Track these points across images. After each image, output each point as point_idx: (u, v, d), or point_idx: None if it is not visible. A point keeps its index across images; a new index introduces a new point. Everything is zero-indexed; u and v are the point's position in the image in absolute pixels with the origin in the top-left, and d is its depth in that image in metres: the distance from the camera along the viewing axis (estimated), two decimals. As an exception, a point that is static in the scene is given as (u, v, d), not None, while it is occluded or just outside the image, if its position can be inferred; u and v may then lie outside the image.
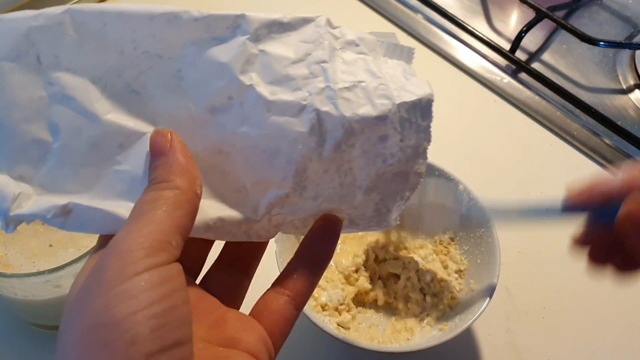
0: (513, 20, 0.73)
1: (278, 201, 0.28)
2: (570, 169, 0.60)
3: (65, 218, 0.25)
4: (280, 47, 0.27)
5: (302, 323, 0.41)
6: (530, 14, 0.69)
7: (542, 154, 0.61)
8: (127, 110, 0.26)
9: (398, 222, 0.31)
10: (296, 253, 0.29)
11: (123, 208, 0.25)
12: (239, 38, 0.27)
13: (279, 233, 0.30)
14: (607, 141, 0.61)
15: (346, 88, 0.27)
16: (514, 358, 0.48)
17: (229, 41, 0.27)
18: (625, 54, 0.69)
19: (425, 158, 0.29)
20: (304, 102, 0.27)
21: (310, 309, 0.44)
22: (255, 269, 0.31)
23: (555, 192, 0.58)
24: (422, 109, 0.29)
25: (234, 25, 0.27)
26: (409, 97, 0.28)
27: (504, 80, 0.66)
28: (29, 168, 0.26)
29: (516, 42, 0.67)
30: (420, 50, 0.69)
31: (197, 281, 0.30)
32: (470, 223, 0.48)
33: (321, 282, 0.46)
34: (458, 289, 0.47)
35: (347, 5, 0.73)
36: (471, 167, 0.59)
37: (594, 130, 0.62)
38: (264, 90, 0.27)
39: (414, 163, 0.29)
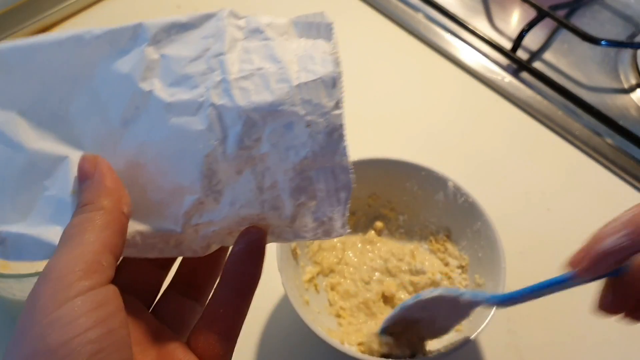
0: (514, 19, 0.73)
1: (193, 208, 0.27)
2: (571, 169, 0.60)
3: (4, 247, 0.26)
4: (180, 48, 0.27)
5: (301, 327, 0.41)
6: (532, 13, 0.69)
7: (543, 153, 0.61)
8: (52, 137, 0.27)
9: (349, 231, 0.28)
10: (220, 278, 0.28)
11: (52, 232, 0.26)
12: (138, 47, 0.27)
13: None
14: (609, 141, 0.61)
15: (243, 77, 0.26)
16: (515, 359, 0.48)
17: (130, 52, 0.27)
18: (627, 53, 0.69)
19: (344, 146, 0.27)
20: (201, 99, 0.26)
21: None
22: (208, 295, 0.30)
23: (556, 192, 0.58)
24: (325, 89, 0.26)
25: (134, 35, 0.27)
26: (309, 77, 0.26)
27: (505, 79, 0.66)
28: None
29: (517, 41, 0.67)
30: (421, 49, 0.69)
31: (151, 308, 0.30)
32: (464, 218, 0.48)
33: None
34: (464, 285, 0.47)
35: (348, 5, 0.72)
36: (472, 166, 0.59)
37: (596, 129, 0.62)
38: (164, 93, 0.26)
39: (334, 154, 0.27)
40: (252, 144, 0.26)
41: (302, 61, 0.27)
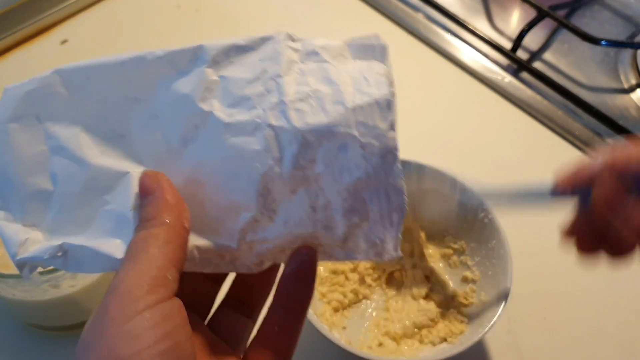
0: (514, 19, 0.73)
1: (248, 225, 0.27)
2: (571, 169, 0.60)
3: (64, 259, 0.27)
4: (238, 70, 0.28)
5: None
6: (532, 13, 0.69)
7: (544, 153, 0.61)
8: (113, 153, 0.28)
9: (401, 255, 0.29)
10: (273, 298, 0.28)
11: (112, 245, 0.27)
12: (198, 68, 0.28)
13: None
14: (609, 141, 0.61)
15: (299, 99, 0.27)
16: (515, 359, 0.48)
17: (190, 73, 0.28)
18: (627, 53, 0.69)
19: (398, 168, 0.27)
20: (259, 120, 0.27)
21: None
22: (259, 312, 0.31)
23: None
24: (380, 111, 0.27)
25: (194, 57, 0.28)
26: (364, 99, 0.27)
27: (505, 79, 0.66)
28: (37, 215, 0.28)
29: (517, 41, 0.67)
30: (421, 49, 0.69)
31: (206, 321, 0.30)
32: (481, 234, 0.47)
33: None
34: (469, 300, 0.47)
35: (348, 5, 0.72)
36: (472, 166, 0.59)
37: (596, 129, 0.62)
38: (222, 114, 0.27)
39: (387, 175, 0.27)
40: (307, 164, 0.27)
41: (356, 83, 0.27)
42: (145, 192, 0.26)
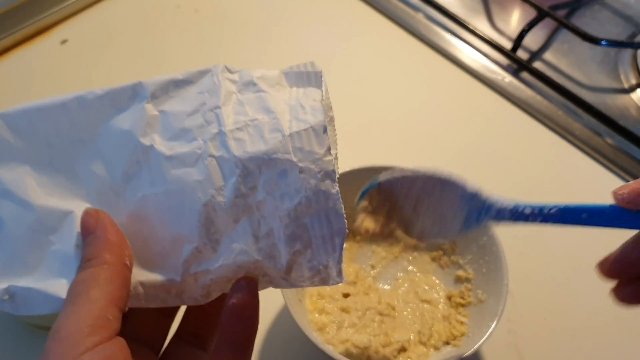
0: (514, 19, 0.73)
1: (192, 257, 0.28)
2: (571, 169, 0.60)
3: (12, 302, 0.27)
4: (178, 104, 0.28)
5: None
6: (532, 13, 0.69)
7: (544, 153, 0.61)
8: (58, 194, 0.29)
9: (345, 280, 0.29)
10: (218, 333, 0.28)
11: (58, 286, 0.27)
12: (138, 104, 0.28)
13: None
14: (609, 141, 0.61)
15: (238, 129, 0.27)
16: (515, 359, 0.48)
17: (130, 109, 0.28)
18: (627, 53, 0.69)
19: (336, 191, 0.28)
20: (199, 151, 0.27)
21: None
22: (212, 343, 0.30)
23: (556, 192, 0.58)
24: (316, 137, 0.28)
25: (133, 94, 0.29)
26: (301, 126, 0.28)
27: (506, 79, 0.66)
28: None
29: (518, 41, 0.67)
30: (421, 49, 0.69)
31: (159, 355, 0.30)
32: (471, 232, 0.47)
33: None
34: (467, 300, 0.47)
35: (348, 5, 0.72)
36: (472, 166, 0.59)
37: (596, 129, 0.62)
38: (163, 147, 0.28)
39: (327, 199, 0.27)
40: (248, 192, 0.27)
41: (293, 111, 0.28)
42: (87, 231, 0.26)
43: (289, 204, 0.27)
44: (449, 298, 0.47)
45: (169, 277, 0.28)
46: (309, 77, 0.30)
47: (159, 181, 0.28)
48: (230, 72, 0.29)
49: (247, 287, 0.28)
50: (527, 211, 0.35)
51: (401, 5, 0.72)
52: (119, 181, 0.28)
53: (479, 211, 0.36)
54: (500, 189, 0.57)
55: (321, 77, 0.30)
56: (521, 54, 0.68)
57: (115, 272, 0.25)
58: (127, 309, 0.26)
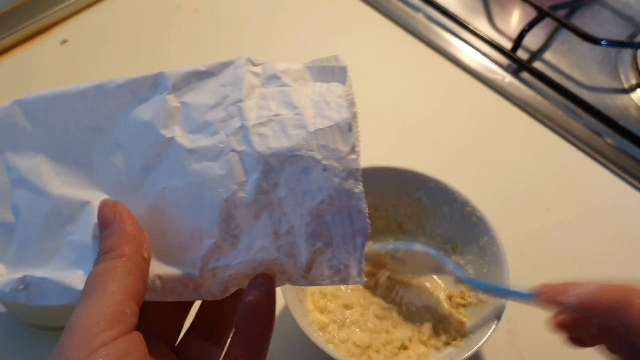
0: (514, 19, 0.73)
1: (211, 252, 0.27)
2: (571, 169, 0.60)
3: (27, 291, 0.27)
4: (200, 96, 0.28)
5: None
6: (532, 13, 0.69)
7: (544, 153, 0.61)
8: (75, 183, 0.28)
9: (366, 280, 0.28)
10: (234, 328, 0.28)
11: (75, 277, 0.27)
12: (159, 95, 0.28)
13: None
14: (609, 141, 0.61)
15: (261, 124, 0.27)
16: (515, 359, 0.48)
17: (151, 100, 0.28)
18: (627, 53, 0.69)
19: (360, 190, 0.27)
20: (221, 145, 0.27)
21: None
22: (228, 338, 0.30)
23: (556, 192, 0.58)
24: (341, 134, 0.27)
25: (154, 84, 0.28)
26: (325, 123, 0.27)
27: (506, 79, 0.66)
28: (1, 249, 0.28)
29: (518, 41, 0.67)
30: (421, 49, 0.69)
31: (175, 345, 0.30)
32: (471, 232, 0.47)
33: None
34: (467, 300, 0.47)
35: (348, 5, 0.72)
36: (472, 166, 0.59)
37: (596, 129, 0.62)
38: (184, 140, 0.27)
39: (350, 198, 0.27)
40: (270, 188, 0.27)
41: (317, 106, 0.28)
42: (104, 223, 0.26)
43: (311, 202, 0.27)
44: (450, 298, 0.47)
45: (187, 272, 0.27)
46: (333, 72, 0.29)
47: (179, 174, 0.27)
48: (254, 64, 0.29)
49: (265, 285, 0.27)
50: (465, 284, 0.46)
51: (401, 5, 0.72)
52: (137, 172, 0.28)
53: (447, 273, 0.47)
54: (500, 189, 0.58)
55: (346, 71, 0.29)
56: (521, 54, 0.68)
57: (133, 265, 0.25)
58: (143, 303, 0.26)
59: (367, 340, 0.44)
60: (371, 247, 0.49)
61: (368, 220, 0.27)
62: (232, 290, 0.29)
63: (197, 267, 0.27)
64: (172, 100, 0.28)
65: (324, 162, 0.27)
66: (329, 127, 0.27)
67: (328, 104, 0.28)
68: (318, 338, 0.41)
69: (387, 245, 0.48)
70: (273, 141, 0.27)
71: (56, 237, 0.28)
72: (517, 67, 0.66)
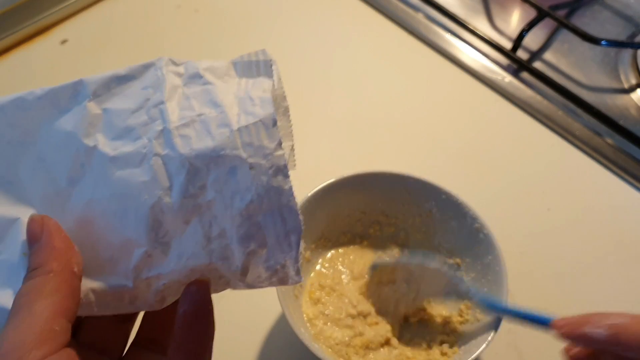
0: (514, 19, 0.73)
1: (142, 262, 0.26)
2: (571, 169, 0.60)
3: None
4: (121, 101, 0.27)
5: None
6: (532, 13, 0.69)
7: (544, 153, 0.61)
8: (3, 201, 0.27)
9: (302, 280, 0.28)
10: (172, 340, 0.27)
11: (5, 297, 0.25)
12: (80, 104, 0.27)
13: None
14: (609, 141, 0.61)
15: (184, 125, 0.26)
16: (515, 359, 0.48)
17: (72, 109, 0.27)
18: (627, 53, 0.69)
19: (289, 187, 0.26)
20: (144, 150, 0.26)
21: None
22: None
23: (556, 192, 0.58)
24: (266, 130, 0.26)
25: (74, 92, 0.27)
26: (249, 120, 0.26)
27: (506, 79, 0.66)
28: None
29: (518, 41, 0.67)
30: (421, 49, 0.69)
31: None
32: (476, 249, 0.47)
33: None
34: (464, 317, 0.46)
35: (348, 5, 0.72)
36: (472, 166, 0.59)
37: (596, 129, 0.62)
38: (107, 148, 0.26)
39: (279, 195, 0.26)
40: (197, 191, 0.26)
41: (241, 103, 0.27)
42: (32, 239, 0.25)
43: (240, 203, 0.26)
44: (447, 323, 0.47)
45: (121, 284, 0.26)
46: (258, 67, 0.29)
47: (103, 184, 0.26)
48: (176, 64, 0.28)
49: (199, 293, 0.26)
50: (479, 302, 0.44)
51: (401, 5, 0.72)
52: (64, 185, 0.27)
53: (459, 290, 0.45)
54: (499, 188, 0.58)
55: (271, 65, 0.28)
56: (521, 54, 0.68)
57: (62, 281, 0.24)
58: (75, 319, 0.25)
59: (347, 340, 0.44)
60: (381, 257, 0.49)
61: (301, 217, 0.27)
62: (170, 299, 0.28)
63: (129, 278, 0.26)
64: (93, 108, 0.27)
65: (250, 160, 0.26)
66: (253, 123, 0.26)
67: (252, 100, 0.27)
68: (304, 334, 0.41)
69: (401, 259, 0.47)
70: (196, 142, 0.26)
71: None
72: (517, 67, 0.66)
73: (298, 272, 0.28)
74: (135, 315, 0.31)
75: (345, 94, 0.65)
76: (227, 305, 0.48)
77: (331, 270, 0.49)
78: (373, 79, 0.66)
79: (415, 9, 0.71)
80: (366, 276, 0.48)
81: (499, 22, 0.72)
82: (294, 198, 0.26)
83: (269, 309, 0.48)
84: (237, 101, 0.27)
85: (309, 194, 0.46)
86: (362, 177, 0.48)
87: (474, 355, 0.40)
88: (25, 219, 0.26)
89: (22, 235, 0.26)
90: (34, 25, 0.67)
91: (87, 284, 0.26)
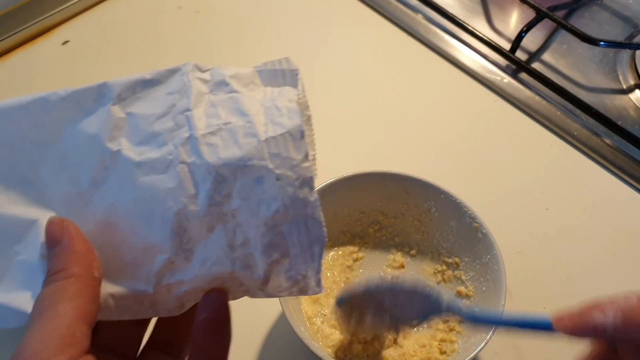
0: (513, 20, 0.73)
1: (165, 268, 0.26)
2: (570, 169, 0.60)
3: None
4: (146, 105, 0.27)
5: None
6: (531, 14, 0.69)
7: (543, 154, 0.61)
8: (23, 201, 0.27)
9: (322, 291, 0.28)
10: (191, 344, 0.27)
11: (23, 299, 0.25)
12: (104, 107, 0.27)
13: None
14: (608, 141, 0.61)
15: (210, 133, 0.26)
16: (514, 358, 0.48)
17: (96, 112, 0.27)
18: (626, 53, 0.69)
19: (315, 198, 0.26)
20: (170, 157, 0.26)
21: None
22: (186, 352, 0.30)
23: (555, 192, 0.58)
24: (293, 141, 0.26)
25: (99, 95, 0.27)
26: (277, 131, 0.26)
27: (504, 80, 0.66)
28: None
29: (516, 42, 0.67)
30: (420, 50, 0.69)
31: None
32: (476, 248, 0.47)
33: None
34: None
35: (348, 6, 0.73)
36: (471, 167, 0.59)
37: (594, 130, 0.62)
38: (132, 152, 0.26)
39: (305, 206, 0.26)
40: (223, 199, 0.26)
41: (268, 113, 0.27)
42: (52, 242, 0.25)
43: (265, 212, 0.26)
44: (446, 321, 0.47)
45: (141, 289, 0.26)
46: (284, 76, 0.29)
47: (128, 188, 0.26)
48: (201, 70, 0.28)
49: (218, 300, 0.27)
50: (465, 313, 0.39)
51: (400, 7, 0.72)
52: (86, 187, 0.27)
53: (438, 309, 0.40)
54: (498, 189, 0.58)
55: (297, 74, 0.28)
56: (520, 55, 0.68)
57: (83, 286, 0.24)
58: (95, 323, 0.25)
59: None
60: (346, 288, 0.44)
61: (325, 229, 0.27)
62: (189, 305, 0.28)
63: (151, 284, 0.26)
64: (118, 112, 0.27)
65: (277, 171, 0.26)
66: (281, 134, 0.26)
67: (279, 110, 0.27)
68: (304, 333, 0.41)
69: (368, 286, 0.41)
70: (223, 151, 0.26)
71: (6, 258, 0.26)
72: (516, 67, 0.67)
73: (319, 283, 0.28)
74: (149, 319, 0.31)
75: (345, 95, 0.65)
76: (227, 304, 0.48)
77: (329, 273, 0.49)
78: (372, 80, 0.66)
79: (415, 10, 0.72)
80: (333, 315, 0.45)
81: (497, 23, 0.72)
82: (320, 209, 0.26)
83: (269, 309, 0.48)
84: (264, 110, 0.27)
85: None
86: (362, 177, 0.48)
87: (473, 354, 0.40)
88: (44, 221, 0.26)
89: (41, 238, 0.26)
90: (36, 26, 0.67)
91: (107, 289, 0.26)
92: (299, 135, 0.26)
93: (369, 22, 0.71)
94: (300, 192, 0.26)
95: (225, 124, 0.26)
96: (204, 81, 0.28)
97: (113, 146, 0.26)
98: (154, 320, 0.31)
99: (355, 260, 0.50)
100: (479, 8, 0.74)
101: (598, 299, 0.31)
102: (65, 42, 0.67)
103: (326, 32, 0.71)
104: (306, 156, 0.26)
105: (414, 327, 0.42)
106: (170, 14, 0.71)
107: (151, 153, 0.26)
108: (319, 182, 0.47)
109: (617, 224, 0.56)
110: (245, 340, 0.47)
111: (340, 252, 0.50)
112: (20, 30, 0.66)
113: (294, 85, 0.28)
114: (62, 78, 0.63)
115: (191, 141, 0.26)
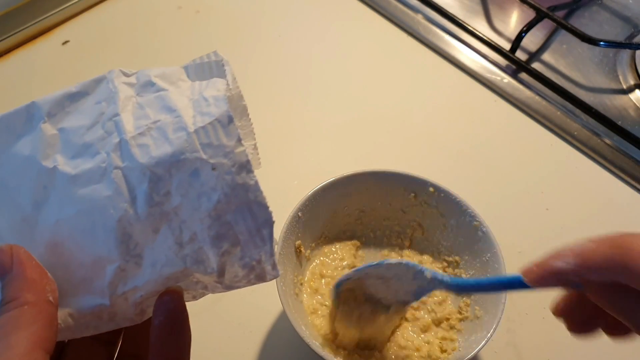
0: (513, 20, 0.73)
1: (116, 277, 0.26)
2: (570, 169, 0.60)
3: None
4: (76, 118, 0.27)
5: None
6: (531, 14, 0.69)
7: (542, 154, 0.61)
8: None
9: (280, 273, 0.28)
10: (149, 353, 0.26)
11: None
12: (35, 127, 0.27)
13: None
14: (608, 141, 0.61)
15: (140, 134, 0.26)
16: (514, 358, 0.48)
17: (28, 133, 0.27)
18: (626, 54, 0.70)
19: (255, 182, 0.26)
20: (104, 164, 0.26)
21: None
22: None
23: (554, 192, 0.58)
24: (223, 128, 0.26)
25: (28, 116, 0.27)
26: (205, 120, 0.26)
27: (504, 80, 0.66)
28: None
29: (516, 42, 0.67)
30: (420, 50, 0.69)
31: None
32: (475, 247, 0.47)
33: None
34: (463, 315, 0.46)
35: (348, 6, 0.73)
36: (471, 167, 0.59)
37: (594, 130, 0.62)
38: (67, 167, 0.26)
39: (246, 192, 0.26)
40: (162, 199, 0.26)
41: (196, 105, 0.27)
42: (3, 271, 0.24)
43: (207, 204, 0.26)
44: (446, 320, 0.47)
45: (98, 302, 0.26)
46: (210, 68, 0.28)
47: (68, 204, 0.26)
48: (127, 75, 0.28)
49: (172, 303, 0.26)
50: (447, 280, 0.41)
51: (400, 7, 0.72)
52: (29, 211, 0.26)
53: (426, 284, 0.42)
54: (498, 188, 0.58)
55: (223, 65, 0.28)
56: (520, 55, 0.68)
57: (37, 312, 0.23)
58: (54, 348, 0.24)
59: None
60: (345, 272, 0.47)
61: (270, 210, 0.26)
62: (150, 311, 0.27)
63: (106, 296, 0.26)
64: (49, 129, 0.27)
65: (212, 160, 0.25)
66: (210, 123, 0.26)
67: (207, 100, 0.26)
68: (305, 331, 0.41)
69: (357, 271, 0.43)
70: (155, 150, 0.25)
71: None
72: (516, 67, 0.67)
73: (275, 266, 0.27)
74: (119, 336, 0.30)
75: (345, 95, 0.65)
76: (227, 305, 0.48)
77: (329, 260, 0.49)
78: (372, 80, 0.66)
79: (415, 10, 0.72)
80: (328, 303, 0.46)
81: (497, 23, 0.72)
82: (262, 192, 0.26)
83: (269, 308, 0.48)
84: (192, 104, 0.27)
85: (309, 193, 0.47)
86: (362, 176, 0.48)
87: (473, 353, 0.40)
88: None
89: None
90: (36, 26, 0.67)
91: (64, 309, 0.26)
92: (227, 121, 0.26)
93: (369, 22, 0.71)
94: (239, 178, 0.26)
95: (154, 122, 0.26)
96: (131, 85, 0.28)
97: (49, 164, 0.26)
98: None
99: (355, 259, 0.50)
100: (479, 8, 0.74)
101: (558, 248, 0.33)
102: (65, 42, 0.67)
103: (326, 32, 0.71)
104: (239, 141, 0.26)
105: (407, 307, 0.45)
106: (170, 14, 0.71)
107: (85, 164, 0.26)
108: (319, 182, 0.47)
109: (617, 224, 0.56)
110: (245, 340, 0.47)
111: (340, 252, 0.50)
112: (20, 30, 0.66)
113: (222, 76, 0.28)
114: (62, 78, 0.63)
115: (122, 145, 0.26)
